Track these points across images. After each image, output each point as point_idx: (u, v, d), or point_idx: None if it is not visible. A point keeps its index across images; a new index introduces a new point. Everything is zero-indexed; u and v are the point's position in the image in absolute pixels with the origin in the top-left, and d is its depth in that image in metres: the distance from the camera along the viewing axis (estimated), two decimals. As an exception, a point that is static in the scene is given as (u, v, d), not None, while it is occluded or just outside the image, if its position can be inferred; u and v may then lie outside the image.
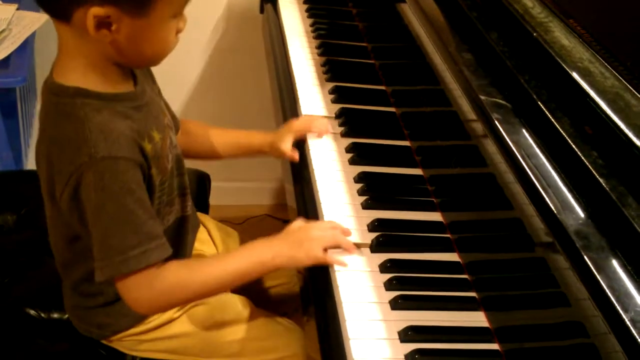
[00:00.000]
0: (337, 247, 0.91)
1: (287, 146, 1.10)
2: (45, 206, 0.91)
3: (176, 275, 0.86)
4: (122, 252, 0.81)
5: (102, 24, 0.77)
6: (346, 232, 0.94)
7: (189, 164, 1.17)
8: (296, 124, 1.13)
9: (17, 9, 1.53)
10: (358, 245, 0.94)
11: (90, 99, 0.81)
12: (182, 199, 0.99)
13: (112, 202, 0.80)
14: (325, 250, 0.90)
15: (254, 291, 1.16)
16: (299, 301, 1.17)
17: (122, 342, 1.00)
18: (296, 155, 1.09)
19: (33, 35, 1.49)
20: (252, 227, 1.91)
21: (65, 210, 0.85)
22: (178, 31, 0.84)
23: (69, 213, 0.84)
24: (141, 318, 0.98)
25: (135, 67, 0.87)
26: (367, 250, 0.94)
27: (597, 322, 0.64)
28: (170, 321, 1.00)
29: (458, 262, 0.94)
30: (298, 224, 0.94)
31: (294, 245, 0.90)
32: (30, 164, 1.62)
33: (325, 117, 1.17)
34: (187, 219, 1.01)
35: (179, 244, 1.02)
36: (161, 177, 0.89)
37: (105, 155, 0.79)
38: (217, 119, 1.24)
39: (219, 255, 0.98)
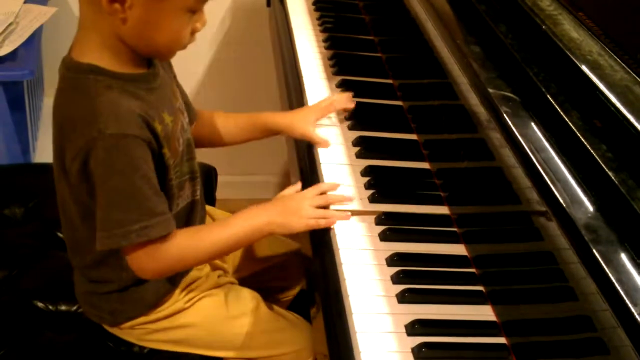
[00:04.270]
0: (326, 216, 0.95)
1: (309, 129, 1.09)
2: (57, 184, 0.92)
3: (179, 246, 0.89)
4: (123, 226, 0.84)
5: None
6: (343, 199, 0.98)
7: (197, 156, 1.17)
8: (317, 105, 1.13)
9: (24, 2, 1.53)
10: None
11: (104, 76, 0.84)
12: (192, 182, 1.00)
13: (118, 177, 0.82)
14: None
15: (264, 284, 1.17)
16: (307, 294, 1.18)
17: (133, 330, 1.00)
18: (319, 139, 1.09)
19: (40, 28, 1.49)
20: (258, 220, 1.91)
21: (74, 182, 0.87)
22: (194, 31, 0.86)
23: (79, 184, 0.86)
24: (153, 306, 0.99)
25: (145, 55, 0.88)
26: (375, 243, 0.94)
27: (605, 317, 0.64)
28: (181, 311, 1.01)
29: (465, 256, 0.94)
30: (289, 190, 0.99)
31: (287, 214, 0.94)
32: (38, 157, 1.62)
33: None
34: (196, 203, 1.02)
35: None
36: (174, 159, 0.91)
37: (114, 132, 0.81)
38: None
39: (218, 222, 1.03)
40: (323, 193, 0.98)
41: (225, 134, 1.13)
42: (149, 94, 0.88)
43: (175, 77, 1.03)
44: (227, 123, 1.14)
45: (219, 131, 1.13)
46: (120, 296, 0.97)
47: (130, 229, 0.83)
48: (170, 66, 1.01)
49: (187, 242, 0.90)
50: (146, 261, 0.88)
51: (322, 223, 0.94)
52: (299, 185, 1.02)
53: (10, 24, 1.46)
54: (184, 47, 0.87)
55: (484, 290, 0.89)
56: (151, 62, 0.90)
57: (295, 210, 0.94)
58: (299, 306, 1.18)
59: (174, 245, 0.88)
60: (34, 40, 1.45)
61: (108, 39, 0.84)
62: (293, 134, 1.12)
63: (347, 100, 1.15)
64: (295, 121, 1.11)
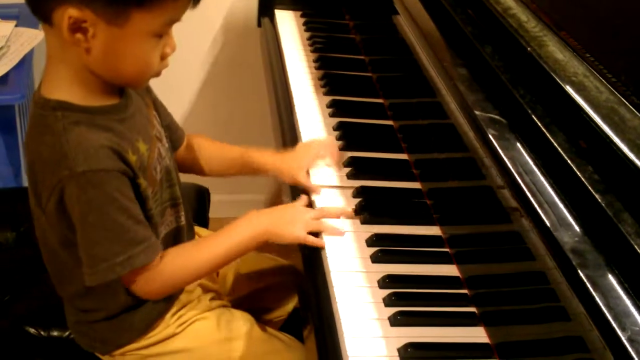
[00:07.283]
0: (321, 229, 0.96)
1: (300, 175, 1.06)
2: (35, 217, 0.91)
3: (173, 265, 0.91)
4: (107, 260, 0.84)
5: (79, 27, 0.78)
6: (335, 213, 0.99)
7: (189, 177, 1.17)
8: (308, 150, 1.09)
9: (16, 25, 1.54)
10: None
11: (71, 111, 0.82)
12: (174, 209, 0.99)
13: (95, 212, 0.82)
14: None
15: (256, 305, 1.16)
16: (300, 314, 1.17)
17: (125, 357, 0.99)
18: (311, 186, 1.06)
19: (31, 52, 1.49)
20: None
21: (52, 219, 0.86)
22: (164, 56, 0.84)
23: (57, 222, 0.86)
24: (143, 331, 0.98)
25: (115, 84, 0.86)
26: (366, 265, 0.94)
27: (596, 338, 0.64)
28: (173, 336, 1.00)
29: (457, 277, 0.94)
30: (292, 203, 1.00)
31: (283, 222, 0.95)
32: (29, 180, 1.62)
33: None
34: (181, 229, 1.01)
35: None
36: (152, 188, 0.90)
37: (85, 169, 0.80)
38: (215, 133, 1.24)
39: (214, 234, 0.99)
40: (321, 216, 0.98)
41: (211, 164, 1.11)
42: (121, 124, 0.86)
43: (155, 100, 1.01)
44: (213, 153, 1.11)
45: (204, 160, 1.10)
46: (110, 324, 0.96)
47: (115, 261, 0.84)
48: (148, 92, 0.98)
49: (181, 261, 0.92)
50: (142, 284, 0.90)
51: (309, 241, 0.95)
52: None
53: (1, 48, 1.46)
54: (155, 74, 0.85)
55: (476, 312, 0.89)
56: (123, 91, 0.89)
57: (291, 219, 0.95)
58: (291, 326, 1.18)
59: (166, 265, 0.90)
60: (25, 64, 1.46)
61: (77, 71, 0.82)
62: (282, 179, 1.09)
63: (333, 148, 1.11)
64: (284, 167, 1.07)
